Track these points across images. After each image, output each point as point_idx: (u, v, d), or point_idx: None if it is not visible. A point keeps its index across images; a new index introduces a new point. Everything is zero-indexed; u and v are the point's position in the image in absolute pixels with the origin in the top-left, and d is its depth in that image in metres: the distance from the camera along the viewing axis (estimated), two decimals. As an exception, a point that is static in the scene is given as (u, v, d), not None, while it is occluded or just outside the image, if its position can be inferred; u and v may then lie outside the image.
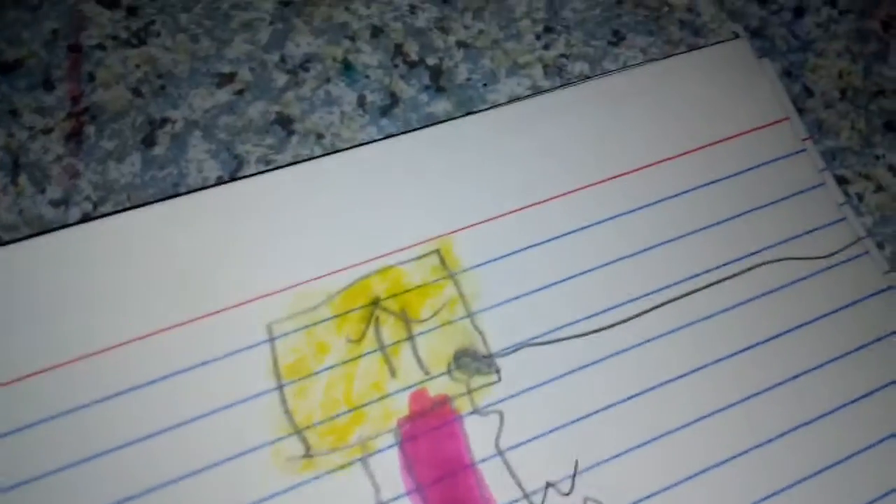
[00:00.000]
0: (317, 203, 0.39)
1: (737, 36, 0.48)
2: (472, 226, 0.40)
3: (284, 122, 0.42)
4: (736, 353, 0.39)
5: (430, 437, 0.36)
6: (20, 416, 0.34)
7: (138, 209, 0.38)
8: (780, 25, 0.49)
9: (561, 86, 0.45)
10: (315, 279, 0.38)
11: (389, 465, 0.36)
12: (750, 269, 0.41)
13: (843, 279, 0.42)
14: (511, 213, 0.41)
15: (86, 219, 0.39)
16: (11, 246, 0.37)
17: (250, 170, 0.41)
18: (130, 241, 0.38)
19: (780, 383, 0.39)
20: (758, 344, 0.40)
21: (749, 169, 0.44)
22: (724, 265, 0.41)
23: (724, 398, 0.39)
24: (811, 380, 0.40)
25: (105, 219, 0.38)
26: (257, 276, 0.38)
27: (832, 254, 0.42)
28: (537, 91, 0.45)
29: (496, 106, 0.43)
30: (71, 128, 0.41)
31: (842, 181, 0.45)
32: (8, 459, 0.34)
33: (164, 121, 0.42)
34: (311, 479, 0.35)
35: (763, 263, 0.42)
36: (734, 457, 0.38)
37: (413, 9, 0.46)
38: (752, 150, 0.44)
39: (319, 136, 0.42)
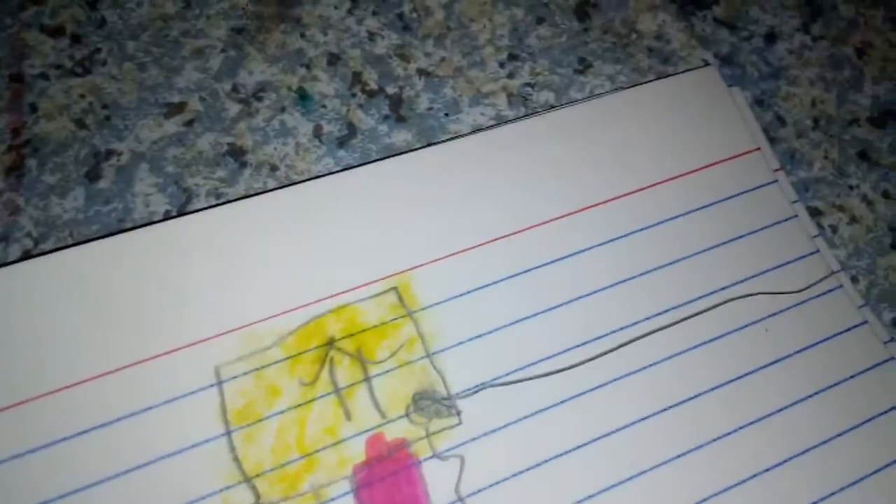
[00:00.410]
0: (268, 239, 0.38)
1: (706, 63, 0.46)
2: (431, 262, 0.38)
3: (236, 154, 0.41)
4: (708, 391, 0.38)
5: (387, 484, 0.34)
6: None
7: (81, 246, 0.37)
8: (752, 52, 0.48)
9: (525, 116, 0.43)
10: (266, 319, 0.36)
11: (344, 514, 0.34)
12: (720, 304, 0.40)
13: (816, 314, 0.41)
14: (472, 248, 0.39)
15: (26, 256, 0.37)
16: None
17: (200, 204, 0.39)
18: (72, 279, 0.36)
19: (754, 421, 0.38)
20: (731, 381, 0.38)
21: (719, 201, 0.42)
22: (694, 300, 0.40)
23: (695, 438, 0.37)
24: (786, 418, 0.38)
25: (46, 256, 0.36)
26: (205, 315, 0.36)
27: (805, 288, 0.41)
28: (501, 121, 0.43)
29: (459, 136, 0.42)
30: (11, 161, 0.39)
31: (815, 213, 0.44)
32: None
33: (110, 153, 0.40)
34: (260, 529, 0.33)
35: (734, 298, 0.40)
36: (708, 497, 0.36)
37: (372, 35, 0.45)
38: (721, 182, 0.43)
39: (273, 168, 0.41)
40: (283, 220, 0.38)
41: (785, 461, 0.37)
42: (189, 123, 0.41)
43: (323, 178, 0.39)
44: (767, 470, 0.37)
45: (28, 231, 0.38)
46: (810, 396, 0.39)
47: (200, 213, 0.38)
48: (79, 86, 0.41)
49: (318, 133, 0.42)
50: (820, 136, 0.46)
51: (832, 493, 0.37)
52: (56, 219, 0.38)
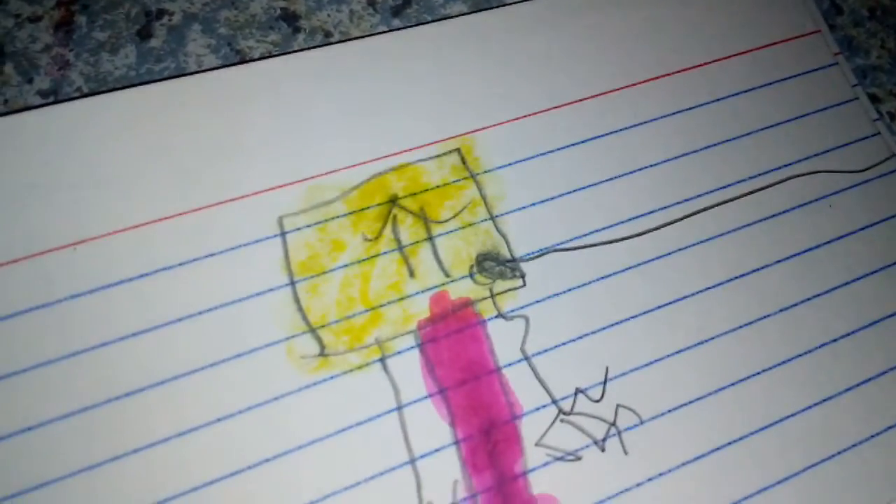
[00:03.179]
0: (329, 93, 0.37)
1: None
2: (495, 125, 0.38)
3: (290, 19, 0.40)
4: (770, 265, 0.37)
5: (453, 340, 0.34)
6: (8, 301, 0.31)
7: (140, 87, 0.35)
8: (805, -57, 0.47)
9: (584, -13, 0.42)
10: (328, 173, 0.35)
11: (410, 367, 0.33)
12: (783, 180, 0.39)
13: (878, 194, 0.40)
14: (536, 113, 0.38)
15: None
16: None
17: (254, 66, 0.38)
18: (130, 121, 0.35)
19: (816, 295, 0.37)
20: (795, 255, 0.38)
21: (782, 80, 0.42)
22: (757, 176, 0.39)
23: (758, 309, 0.36)
24: (850, 292, 0.38)
25: (103, 95, 0.35)
26: (266, 166, 0.35)
27: (867, 168, 0.40)
28: (558, -4, 0.42)
29: (516, 2, 0.40)
30: (61, 17, 0.38)
31: (873, 100, 0.43)
32: (9, 343, 0.31)
33: (161, 12, 0.39)
34: (327, 378, 0.32)
35: (796, 176, 0.39)
36: (770, 367, 0.35)
37: None
38: (784, 61, 0.42)
39: (327, 34, 0.39)
40: (344, 75, 0.37)
41: (850, 333, 0.37)
42: (242, -14, 0.40)
43: (384, 35, 0.38)
44: (833, 342, 0.36)
45: (78, 86, 0.37)
46: (874, 272, 0.38)
47: (260, 62, 0.37)
48: (129, -56, 0.40)
49: (372, 1, 0.41)
50: (876, 26, 0.45)
51: (893, 368, 0.36)
52: (107, 75, 0.37)
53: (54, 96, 0.36)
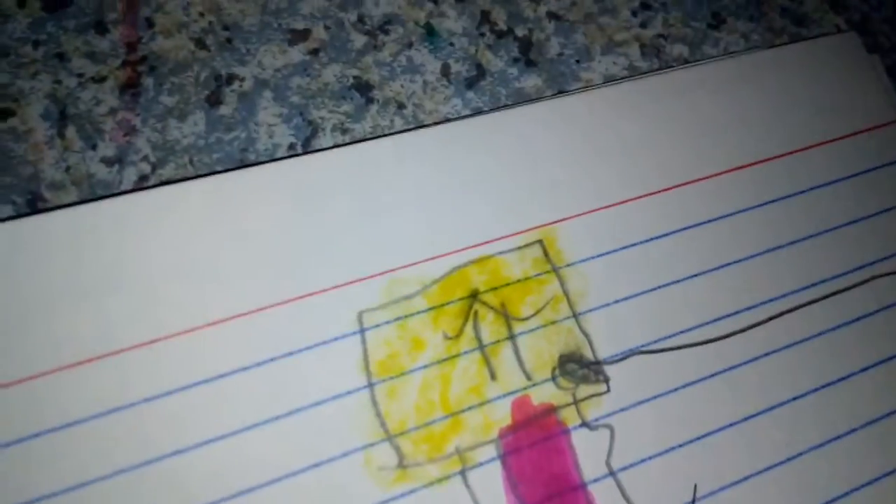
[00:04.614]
0: (406, 182, 0.35)
1: (840, 29, 0.44)
2: (578, 215, 0.36)
3: (363, 89, 0.38)
4: (869, 368, 0.36)
5: (535, 452, 0.32)
6: (54, 414, 0.29)
7: (206, 178, 0.33)
8: (883, 22, 0.45)
9: (662, 69, 0.40)
10: (408, 266, 0.34)
11: (491, 481, 0.32)
12: (868, 280, 0.37)
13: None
14: (619, 203, 0.36)
15: (143, 180, 0.34)
16: (58, 212, 0.32)
17: (325, 137, 0.37)
18: (197, 212, 0.33)
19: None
20: (882, 362, 0.36)
21: (862, 172, 0.40)
22: (840, 275, 0.37)
23: (859, 417, 0.35)
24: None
25: (167, 186, 0.33)
26: (343, 259, 0.33)
27: (953, 269, 0.38)
28: (634, 71, 0.41)
29: (596, 86, 0.39)
30: (126, 77, 0.36)
31: (955, 192, 0.41)
32: (60, 456, 0.29)
33: (231, 77, 0.37)
34: (406, 492, 0.31)
35: (881, 275, 0.37)
36: (873, 481, 0.34)
37: (500, -27, 0.42)
38: (863, 153, 0.40)
39: (400, 106, 0.38)
40: (421, 162, 0.36)
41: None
42: (314, 52, 0.38)
43: (461, 121, 0.37)
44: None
45: (145, 154, 0.35)
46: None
47: (331, 150, 0.35)
48: (198, 3, 0.38)
49: (445, 72, 0.39)
50: (956, 113, 0.44)
51: None
52: (175, 143, 0.35)
53: (119, 165, 0.34)
